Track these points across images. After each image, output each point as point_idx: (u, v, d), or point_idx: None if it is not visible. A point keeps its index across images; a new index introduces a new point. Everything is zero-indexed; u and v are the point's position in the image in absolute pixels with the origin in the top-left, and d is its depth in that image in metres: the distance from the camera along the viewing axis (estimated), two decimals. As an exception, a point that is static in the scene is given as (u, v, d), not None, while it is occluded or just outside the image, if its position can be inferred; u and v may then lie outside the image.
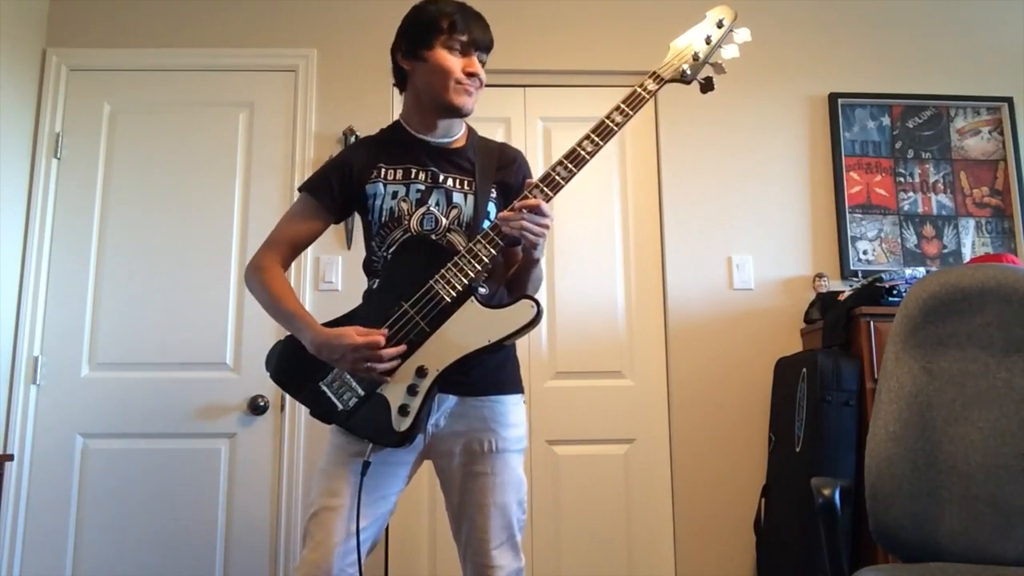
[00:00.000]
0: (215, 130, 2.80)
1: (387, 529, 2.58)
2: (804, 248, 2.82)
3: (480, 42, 1.63)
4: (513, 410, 1.63)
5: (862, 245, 2.83)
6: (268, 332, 2.66)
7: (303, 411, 2.60)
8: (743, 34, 1.60)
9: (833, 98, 2.91)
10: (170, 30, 2.86)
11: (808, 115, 2.92)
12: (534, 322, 1.48)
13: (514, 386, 1.66)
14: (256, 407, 2.60)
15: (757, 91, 2.91)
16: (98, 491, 2.56)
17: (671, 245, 2.80)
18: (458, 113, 1.64)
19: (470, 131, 1.75)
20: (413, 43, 1.63)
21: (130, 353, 2.64)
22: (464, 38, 1.61)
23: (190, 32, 2.86)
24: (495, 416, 1.60)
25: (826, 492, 1.38)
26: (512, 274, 1.66)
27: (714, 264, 2.79)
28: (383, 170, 1.65)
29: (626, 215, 2.84)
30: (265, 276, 1.63)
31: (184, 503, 2.56)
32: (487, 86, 1.68)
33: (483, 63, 1.66)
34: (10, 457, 2.48)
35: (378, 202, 1.63)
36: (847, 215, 2.83)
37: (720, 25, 1.59)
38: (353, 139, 2.74)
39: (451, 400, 1.58)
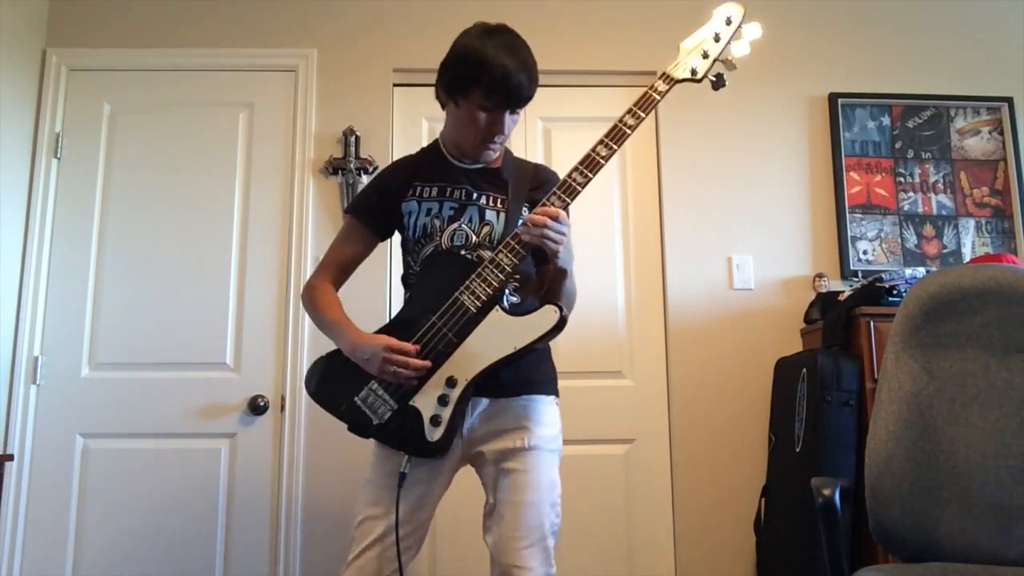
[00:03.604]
0: (215, 130, 2.79)
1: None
2: (804, 248, 2.82)
3: (514, 105, 1.61)
4: (546, 409, 1.65)
5: (862, 245, 2.83)
6: (268, 332, 2.67)
7: (303, 411, 2.60)
8: (753, 29, 1.61)
9: (833, 98, 2.91)
10: (170, 30, 2.86)
11: (808, 115, 2.91)
12: (558, 327, 1.52)
13: (547, 387, 1.68)
14: (256, 407, 2.60)
15: (757, 91, 2.90)
16: (98, 491, 2.56)
17: (671, 245, 2.80)
18: (479, 162, 1.69)
19: (506, 152, 1.76)
20: (451, 84, 1.60)
21: (130, 353, 2.64)
22: (497, 99, 1.57)
23: (190, 32, 2.86)
24: (528, 414, 1.62)
25: (826, 492, 1.38)
26: (546, 290, 1.69)
27: (714, 264, 2.79)
28: (419, 188, 1.70)
29: (626, 215, 2.84)
30: (314, 294, 1.73)
31: (184, 503, 2.56)
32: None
33: (516, 114, 1.65)
34: (10, 457, 2.48)
35: (413, 219, 1.68)
36: (847, 215, 2.83)
37: (729, 22, 1.60)
38: (353, 139, 2.75)
39: (483, 402, 1.61)
